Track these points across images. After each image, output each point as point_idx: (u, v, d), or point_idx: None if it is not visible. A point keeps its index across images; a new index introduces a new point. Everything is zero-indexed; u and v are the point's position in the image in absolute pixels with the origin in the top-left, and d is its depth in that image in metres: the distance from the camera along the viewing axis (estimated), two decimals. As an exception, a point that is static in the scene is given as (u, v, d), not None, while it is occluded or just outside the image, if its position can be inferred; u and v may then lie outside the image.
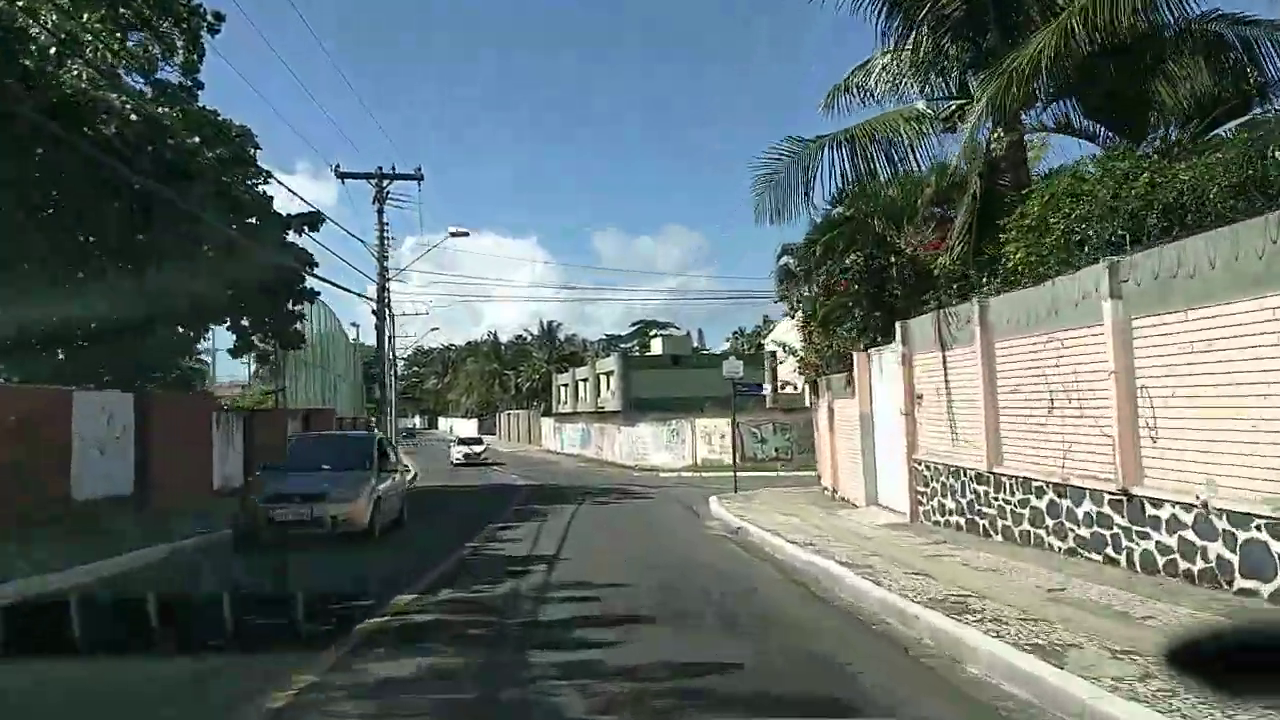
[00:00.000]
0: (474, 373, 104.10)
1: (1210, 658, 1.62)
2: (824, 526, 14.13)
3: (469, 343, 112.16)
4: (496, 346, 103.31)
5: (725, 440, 34.94)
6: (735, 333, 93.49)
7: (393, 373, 70.31)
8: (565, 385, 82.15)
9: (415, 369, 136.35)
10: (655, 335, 69.40)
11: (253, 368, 39.02)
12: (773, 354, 65.37)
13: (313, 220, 24.61)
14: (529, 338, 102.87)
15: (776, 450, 34.29)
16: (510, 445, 68.26)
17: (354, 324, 70.82)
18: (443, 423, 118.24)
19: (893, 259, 15.75)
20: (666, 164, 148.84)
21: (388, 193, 26.97)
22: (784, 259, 23.67)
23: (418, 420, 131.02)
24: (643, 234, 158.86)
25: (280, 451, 25.03)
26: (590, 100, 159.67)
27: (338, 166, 27.03)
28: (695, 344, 71.70)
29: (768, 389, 59.16)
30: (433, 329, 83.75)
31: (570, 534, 13.89)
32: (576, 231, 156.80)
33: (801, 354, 21.78)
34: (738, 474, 32.62)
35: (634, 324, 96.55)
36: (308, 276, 24.71)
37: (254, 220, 22.75)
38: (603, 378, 68.38)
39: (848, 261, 16.06)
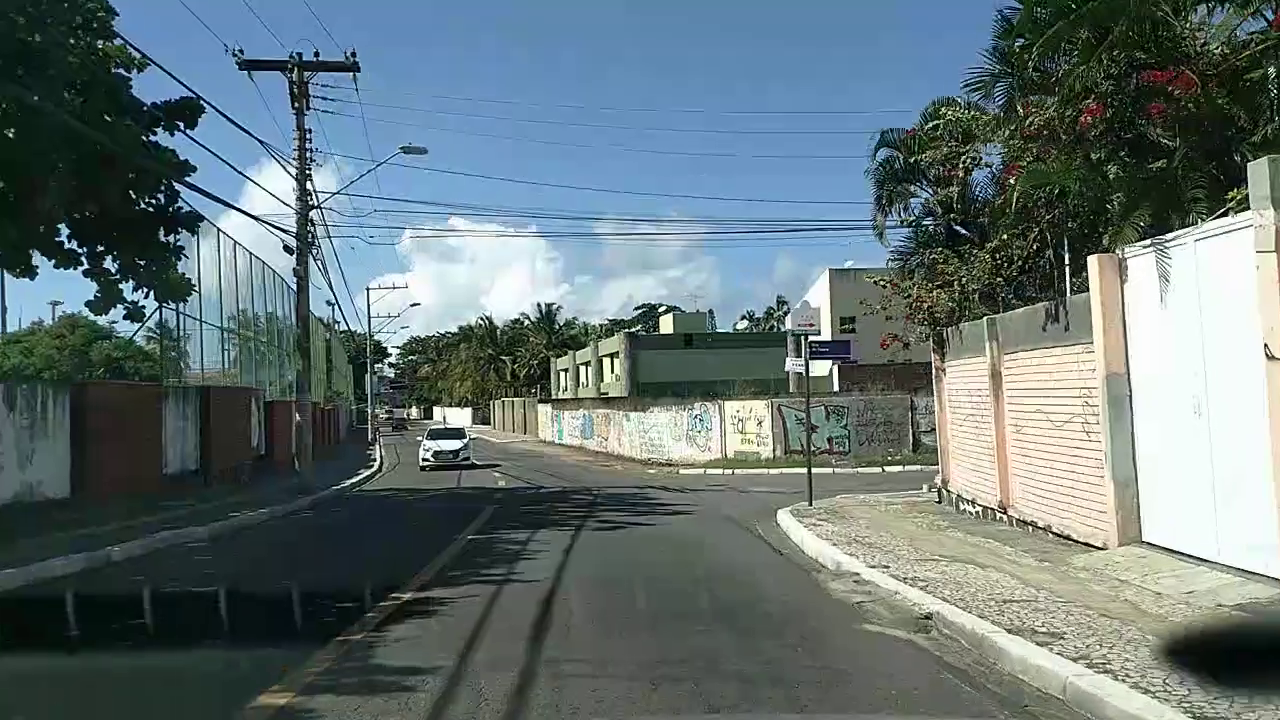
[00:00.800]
0: (468, 359, 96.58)
1: (1210, 652, 1.61)
2: (1123, 610, 6.25)
3: (462, 327, 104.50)
4: (492, 330, 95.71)
5: (764, 428, 27.09)
6: (745, 314, 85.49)
7: (368, 352, 62.12)
8: (565, 370, 74.57)
9: (411, 357, 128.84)
10: (665, 312, 61.35)
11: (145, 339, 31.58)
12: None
13: (187, 111, 16.66)
14: (526, 322, 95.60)
15: (830, 440, 26.36)
16: (504, 436, 60.43)
17: (329, 302, 62.78)
18: (438, 413, 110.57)
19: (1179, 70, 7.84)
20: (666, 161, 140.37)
21: (308, 84, 18.93)
22: (883, 152, 15.70)
23: (415, 410, 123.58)
24: (642, 223, 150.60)
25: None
26: (589, 93, 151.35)
27: (240, 52, 19.00)
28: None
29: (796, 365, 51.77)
30: (413, 304, 75.06)
31: (551, 640, 5.96)
32: (576, 223, 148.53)
33: (914, 293, 13.86)
34: (785, 471, 24.78)
35: (638, 308, 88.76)
36: (184, 188, 16.84)
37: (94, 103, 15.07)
38: (606, 360, 60.60)
39: (1093, 75, 8.09)
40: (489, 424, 78.47)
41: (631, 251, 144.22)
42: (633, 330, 55.01)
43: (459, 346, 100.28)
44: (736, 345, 54.64)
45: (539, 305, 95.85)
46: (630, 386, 52.86)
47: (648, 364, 53.13)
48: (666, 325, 59.49)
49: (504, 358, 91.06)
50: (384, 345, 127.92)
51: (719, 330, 59.41)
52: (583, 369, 68.03)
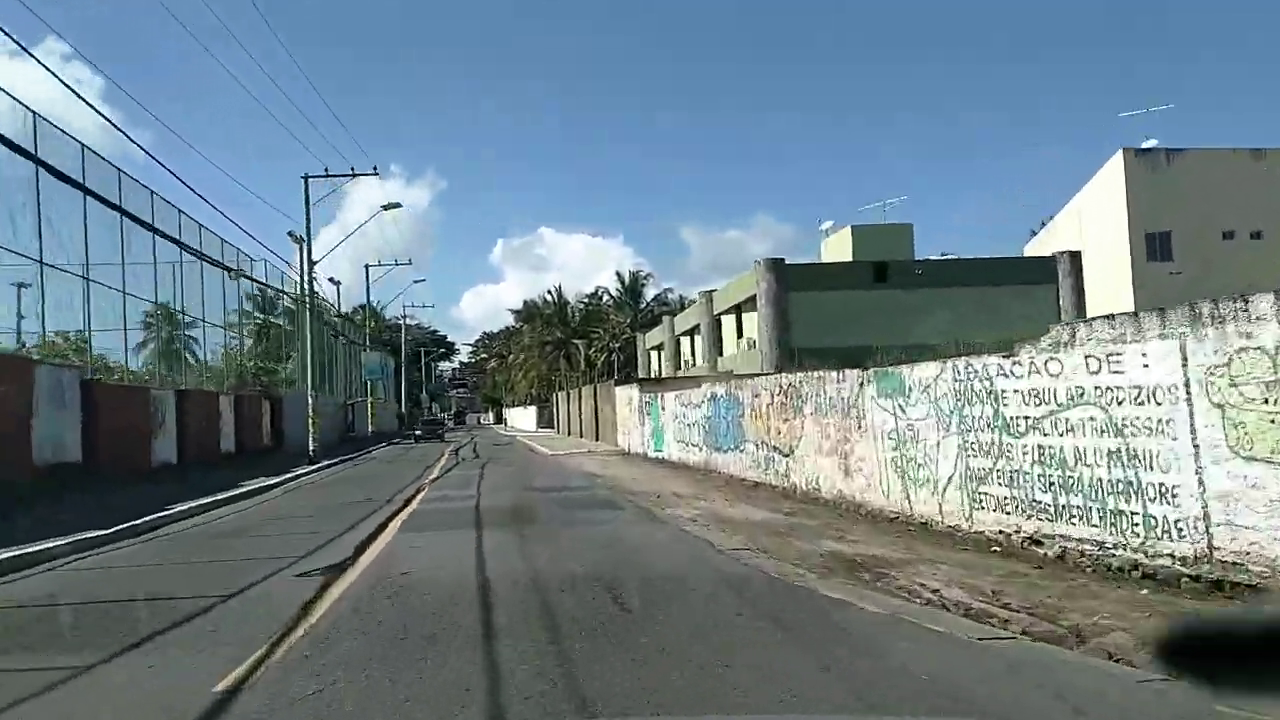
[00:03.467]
0: (531, 344, 72.17)
1: (1201, 651, 1.56)
2: None
3: (527, 302, 79.67)
4: (561, 308, 71.21)
5: None
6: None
7: (331, 322, 36.98)
8: (658, 347, 49.60)
9: (482, 355, 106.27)
10: (829, 230, 35.35)
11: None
12: (1073, 256, 31.36)
13: None
14: (606, 297, 70.61)
15: None
16: (563, 444, 34.86)
17: (333, 279, 38.64)
18: (507, 414, 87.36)
19: None
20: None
21: None
22: None
23: (489, 415, 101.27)
24: (729, 229, 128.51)
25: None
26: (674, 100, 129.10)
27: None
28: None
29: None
30: (418, 280, 50.95)
31: None
32: (661, 225, 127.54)
33: None
34: None
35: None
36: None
37: None
38: (725, 320, 35.57)
39: None
40: (552, 427, 54.24)
41: (718, 251, 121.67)
42: (778, 259, 29.59)
43: (522, 331, 76.30)
44: (969, 281, 28.94)
45: (621, 275, 70.93)
46: (775, 355, 27.72)
47: (807, 314, 27.91)
48: (837, 249, 33.79)
49: (576, 341, 66.58)
50: (451, 341, 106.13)
51: (931, 259, 33.07)
52: (685, 341, 42.92)
